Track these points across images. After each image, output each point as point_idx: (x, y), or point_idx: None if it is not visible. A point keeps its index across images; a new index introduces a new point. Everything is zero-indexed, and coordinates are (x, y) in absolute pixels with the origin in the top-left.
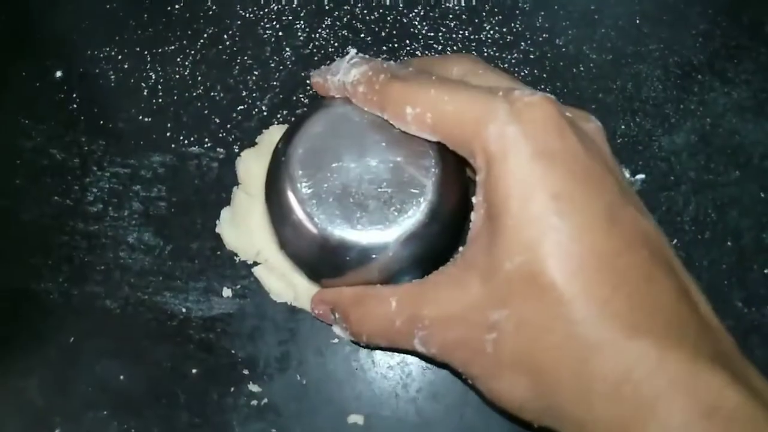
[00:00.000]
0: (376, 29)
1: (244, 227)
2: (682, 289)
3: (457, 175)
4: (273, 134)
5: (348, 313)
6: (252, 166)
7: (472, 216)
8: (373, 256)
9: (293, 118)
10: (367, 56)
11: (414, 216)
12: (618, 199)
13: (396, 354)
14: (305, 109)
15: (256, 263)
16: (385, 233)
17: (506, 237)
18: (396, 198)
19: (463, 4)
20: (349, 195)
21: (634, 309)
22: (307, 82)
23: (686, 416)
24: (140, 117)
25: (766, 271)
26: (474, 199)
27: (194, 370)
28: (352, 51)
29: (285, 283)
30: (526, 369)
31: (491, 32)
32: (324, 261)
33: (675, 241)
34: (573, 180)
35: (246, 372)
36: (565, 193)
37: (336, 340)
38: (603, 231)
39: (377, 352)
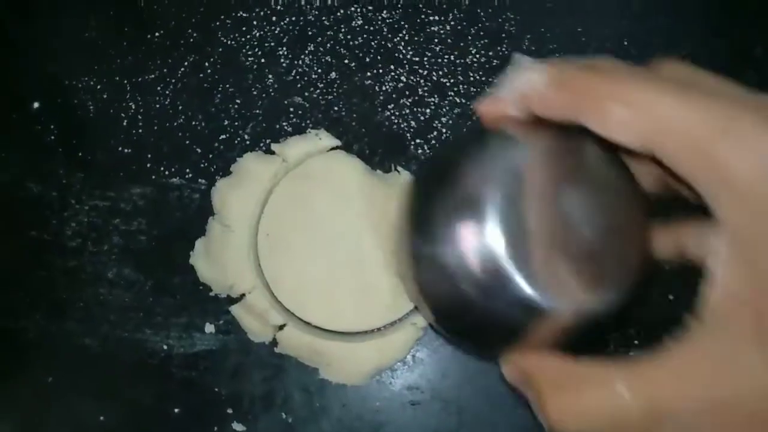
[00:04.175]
0: (360, 55)
1: (219, 259)
2: None
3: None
4: (248, 162)
5: (546, 399)
6: (227, 195)
7: (711, 264)
8: (532, 318)
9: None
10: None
11: (601, 300)
12: None
13: (385, 390)
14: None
15: (237, 299)
16: (564, 303)
17: None
18: (591, 270)
19: (448, 29)
20: (544, 241)
21: None
22: (291, 109)
23: None
24: (120, 148)
25: None
26: (715, 244)
27: (176, 410)
28: (519, 55)
29: (262, 322)
30: None
31: (477, 56)
32: (469, 306)
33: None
34: None
35: (230, 411)
36: None
37: (322, 377)
38: None
39: (362, 387)
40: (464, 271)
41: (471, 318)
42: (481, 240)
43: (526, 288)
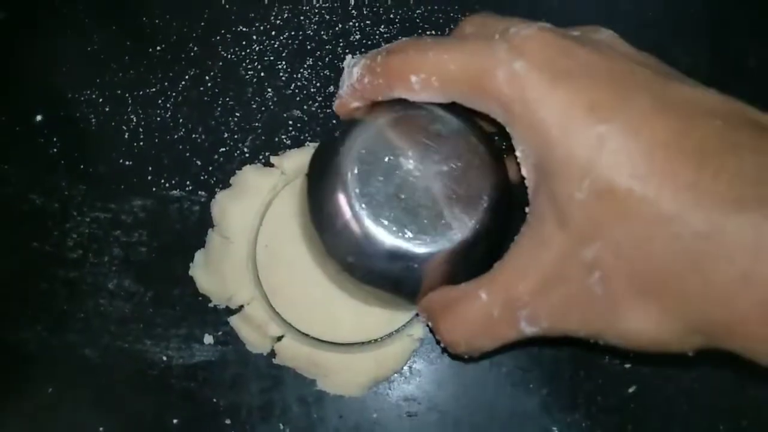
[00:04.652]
0: None
1: (218, 271)
2: None
3: (511, 193)
4: (248, 175)
5: (437, 324)
6: (227, 207)
7: (524, 172)
8: (415, 266)
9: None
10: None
11: (462, 234)
12: (659, 85)
13: (382, 401)
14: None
15: (236, 310)
16: (431, 245)
17: (562, 170)
18: (448, 211)
19: None
20: (402, 200)
21: (731, 182)
22: (290, 123)
23: None
24: (121, 160)
25: None
26: (517, 154)
27: (176, 420)
28: (348, 57)
29: (261, 333)
30: (646, 293)
31: None
32: (363, 263)
33: None
34: (601, 87)
35: (228, 421)
36: (600, 101)
37: (320, 388)
38: (657, 119)
39: (359, 399)
40: (350, 240)
41: (375, 277)
42: (353, 212)
43: (396, 243)
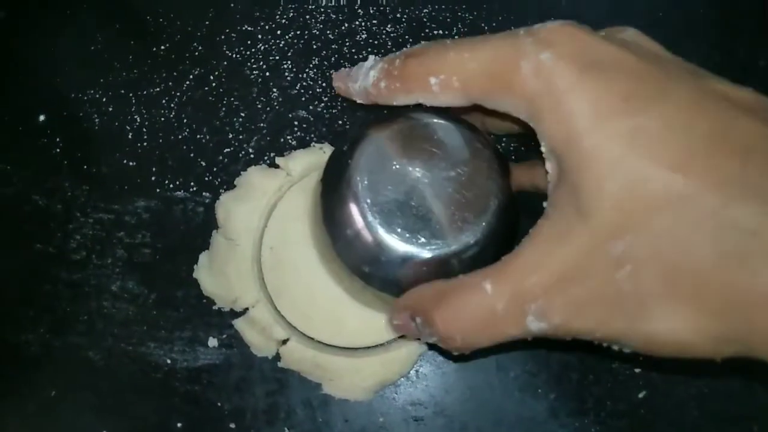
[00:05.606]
0: None
1: (223, 273)
2: None
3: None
4: (252, 176)
5: (432, 315)
6: (232, 209)
7: (547, 166)
8: (429, 270)
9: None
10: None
11: (474, 235)
12: (694, 82)
13: (388, 405)
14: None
15: (240, 312)
16: (445, 249)
17: (590, 161)
18: (458, 215)
19: None
20: (412, 207)
21: None
22: (295, 123)
23: None
24: (124, 161)
25: None
26: (542, 148)
27: (180, 424)
28: (371, 57)
29: (266, 337)
30: (682, 292)
31: None
32: (378, 271)
33: None
34: (635, 80)
35: (233, 425)
36: (634, 92)
37: (325, 392)
38: (695, 111)
39: (365, 403)
40: (365, 249)
41: (390, 284)
42: (365, 222)
43: (410, 249)
